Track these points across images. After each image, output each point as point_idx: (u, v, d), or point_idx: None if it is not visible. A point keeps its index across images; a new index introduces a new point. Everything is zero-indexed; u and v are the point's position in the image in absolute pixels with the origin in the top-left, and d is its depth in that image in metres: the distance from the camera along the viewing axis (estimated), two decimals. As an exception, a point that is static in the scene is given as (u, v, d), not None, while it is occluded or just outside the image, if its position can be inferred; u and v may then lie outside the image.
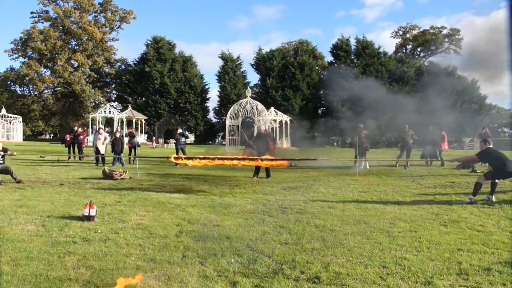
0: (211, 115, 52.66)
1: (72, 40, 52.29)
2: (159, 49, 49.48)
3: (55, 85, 50.04)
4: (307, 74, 47.17)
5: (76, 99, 50.97)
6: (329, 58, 51.57)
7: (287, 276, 3.73)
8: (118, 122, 35.24)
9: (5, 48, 60.82)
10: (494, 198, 7.66)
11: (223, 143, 34.44)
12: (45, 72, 51.30)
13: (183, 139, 16.63)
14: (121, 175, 10.81)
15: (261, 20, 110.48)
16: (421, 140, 15.96)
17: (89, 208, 5.72)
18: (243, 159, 9.35)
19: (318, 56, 53.31)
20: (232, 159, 9.27)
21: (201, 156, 9.21)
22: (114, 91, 57.02)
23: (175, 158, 9.99)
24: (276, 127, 31.61)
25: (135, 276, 3.52)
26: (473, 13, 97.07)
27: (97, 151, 15.19)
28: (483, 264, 4.07)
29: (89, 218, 5.68)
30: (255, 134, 13.91)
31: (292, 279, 3.67)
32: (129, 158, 16.68)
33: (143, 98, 49.05)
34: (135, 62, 51.39)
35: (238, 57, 51.01)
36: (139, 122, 40.60)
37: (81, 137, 18.22)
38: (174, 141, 17.85)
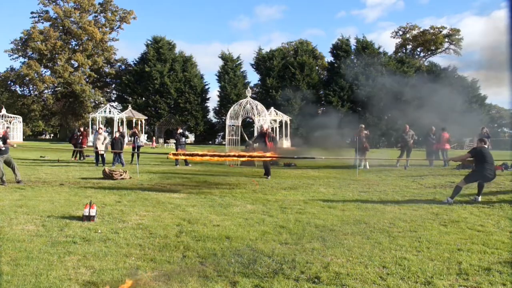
0: (211, 115, 52.71)
1: (72, 40, 52.30)
2: (159, 49, 49.48)
3: (55, 85, 50.05)
4: (307, 74, 47.19)
5: (76, 99, 50.96)
6: (329, 58, 51.66)
7: (287, 276, 3.73)
8: (118, 122, 35.22)
9: (5, 48, 61.03)
10: (480, 199, 7.67)
11: (223, 143, 34.43)
12: (45, 72, 51.33)
13: (183, 139, 16.65)
14: (121, 175, 10.81)
15: (263, 20, 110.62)
16: (425, 140, 16.16)
17: (89, 208, 5.72)
18: (241, 156, 9.34)
19: (318, 56, 53.31)
20: (229, 156, 9.29)
21: (200, 153, 9.22)
22: (114, 91, 57.03)
23: (174, 155, 9.96)
24: (276, 127, 31.62)
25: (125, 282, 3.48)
26: (474, 13, 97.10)
27: (97, 151, 15.20)
28: (483, 264, 4.07)
29: (89, 218, 5.68)
30: (255, 134, 14.05)
31: (292, 279, 3.67)
32: (132, 157, 16.68)
33: (143, 98, 49.05)
34: (135, 62, 51.41)
35: (238, 57, 51.07)
36: (139, 122, 40.59)
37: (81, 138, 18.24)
38: (174, 141, 17.85)
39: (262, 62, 49.36)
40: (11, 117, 39.20)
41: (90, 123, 38.64)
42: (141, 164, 14.34)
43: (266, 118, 17.48)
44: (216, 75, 50.80)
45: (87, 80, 51.76)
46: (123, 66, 55.54)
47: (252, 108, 17.10)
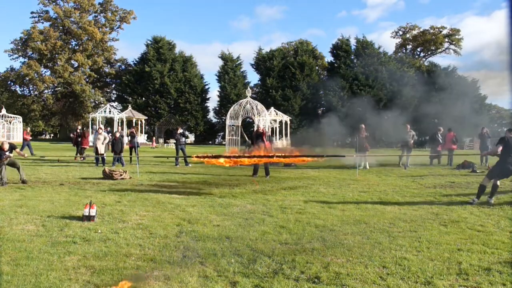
0: (211, 115, 52.75)
1: (72, 40, 52.34)
2: (159, 49, 49.50)
3: (55, 85, 50.08)
4: (307, 74, 47.21)
5: (76, 99, 50.98)
6: (329, 58, 51.67)
7: (287, 276, 3.73)
8: (118, 122, 35.23)
9: (5, 48, 61.00)
10: (493, 201, 7.56)
11: (223, 143, 34.45)
12: (45, 72, 51.39)
13: (183, 139, 16.67)
14: (121, 175, 10.81)
15: (264, 20, 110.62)
16: (432, 140, 16.30)
17: (89, 208, 5.72)
18: (262, 156, 9.29)
19: (318, 56, 53.33)
20: (251, 157, 9.19)
21: (226, 155, 9.08)
22: (114, 91, 57.08)
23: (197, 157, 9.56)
24: (276, 127, 31.62)
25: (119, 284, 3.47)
26: (475, 13, 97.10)
27: (96, 151, 15.20)
28: (483, 264, 4.06)
29: (89, 218, 5.68)
30: (252, 133, 14.13)
31: (292, 279, 3.67)
32: (130, 158, 16.68)
33: (143, 98, 49.06)
34: (135, 62, 51.44)
35: (238, 57, 51.10)
36: (139, 122, 40.59)
37: (79, 139, 18.24)
38: (174, 141, 17.85)
39: (262, 62, 49.38)
40: (11, 117, 39.20)
41: (90, 123, 38.66)
42: (141, 164, 14.34)
43: (266, 118, 17.49)
44: (216, 75, 50.88)
45: (87, 80, 51.78)
46: (123, 66, 55.58)
47: (252, 108, 17.10)
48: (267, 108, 33.25)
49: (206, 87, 51.31)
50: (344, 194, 8.68)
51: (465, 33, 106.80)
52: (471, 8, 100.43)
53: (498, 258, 4.26)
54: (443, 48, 58.50)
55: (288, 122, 33.96)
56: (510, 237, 5.13)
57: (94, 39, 50.15)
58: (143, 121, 41.48)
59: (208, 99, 51.70)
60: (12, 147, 9.49)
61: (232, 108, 17.65)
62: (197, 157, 9.15)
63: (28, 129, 22.94)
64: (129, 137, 17.88)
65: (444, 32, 57.03)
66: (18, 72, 48.67)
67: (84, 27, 49.49)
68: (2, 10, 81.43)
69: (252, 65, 51.28)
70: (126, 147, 18.01)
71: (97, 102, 53.98)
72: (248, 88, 22.46)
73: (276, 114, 32.93)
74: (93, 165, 14.88)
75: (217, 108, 50.87)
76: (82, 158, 17.32)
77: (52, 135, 66.58)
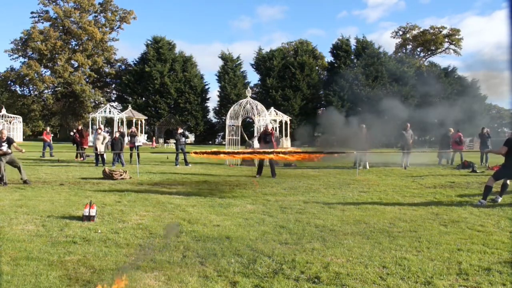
0: (211, 115, 52.71)
1: (72, 40, 52.29)
2: (159, 49, 49.46)
3: (55, 85, 50.04)
4: (307, 74, 47.18)
5: (76, 99, 50.95)
6: (329, 58, 51.65)
7: (287, 276, 3.73)
8: (118, 122, 35.22)
9: (5, 48, 60.97)
10: (500, 200, 7.44)
11: (223, 143, 34.42)
12: (45, 72, 51.33)
13: (183, 139, 16.68)
14: (121, 175, 10.81)
15: (264, 20, 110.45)
16: (443, 140, 16.59)
17: (89, 208, 5.72)
18: (262, 152, 9.33)
19: (318, 56, 53.32)
20: (252, 153, 9.21)
21: (225, 151, 9.12)
22: (114, 91, 57.02)
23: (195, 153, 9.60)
24: (276, 127, 31.60)
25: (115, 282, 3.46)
26: (476, 13, 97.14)
27: (96, 150, 15.21)
28: (483, 264, 4.06)
29: (89, 218, 5.68)
30: (259, 133, 14.17)
31: (292, 279, 3.67)
32: (130, 155, 16.67)
33: (143, 98, 49.03)
34: (135, 62, 51.38)
35: (238, 57, 51.05)
36: (139, 122, 40.58)
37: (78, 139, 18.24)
38: (174, 141, 17.85)
39: (262, 62, 49.34)
40: (11, 117, 39.19)
41: (90, 123, 38.64)
42: (141, 164, 14.35)
43: (266, 118, 17.47)
44: (216, 75, 50.83)
45: (87, 80, 51.75)
46: (123, 66, 55.53)
47: (252, 108, 17.09)
48: (267, 108, 33.22)
49: (206, 87, 51.30)
50: (344, 194, 8.68)
51: (465, 33, 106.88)
52: (472, 8, 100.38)
53: (498, 258, 4.26)
54: (443, 48, 58.49)
55: (288, 122, 33.96)
56: (510, 237, 5.13)
57: (94, 39, 50.11)
58: (143, 121, 41.44)
59: (208, 99, 51.70)
60: (10, 141, 9.41)
61: (232, 108, 17.63)
62: (195, 153, 9.24)
63: (48, 129, 21.76)
64: (129, 137, 17.89)
65: (444, 32, 57.00)
66: (18, 72, 48.63)
67: (84, 27, 49.46)
68: (2, 10, 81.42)
69: (252, 65, 51.27)
70: (126, 147, 18.01)
71: (97, 102, 53.95)
72: (248, 88, 22.42)
73: (276, 114, 32.91)
74: (93, 165, 14.88)
75: (217, 108, 50.84)
76: (82, 158, 17.33)
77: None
